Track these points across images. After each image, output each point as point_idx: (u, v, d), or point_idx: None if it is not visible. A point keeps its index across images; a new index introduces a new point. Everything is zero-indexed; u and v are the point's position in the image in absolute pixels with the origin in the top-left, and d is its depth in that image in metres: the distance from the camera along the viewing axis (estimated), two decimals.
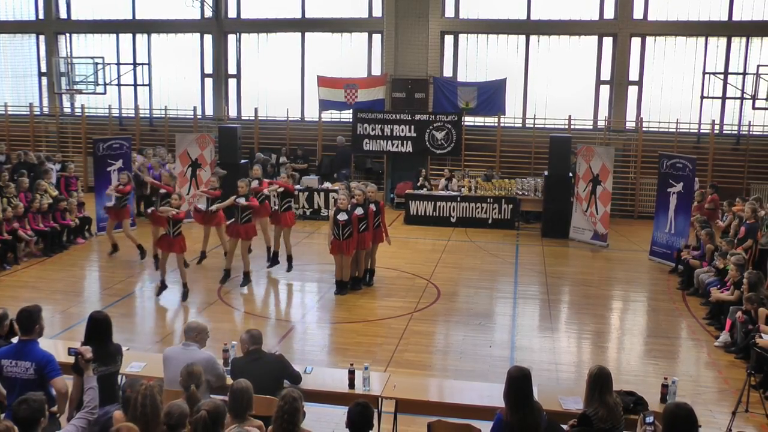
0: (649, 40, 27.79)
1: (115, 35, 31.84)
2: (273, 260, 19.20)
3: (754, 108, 26.46)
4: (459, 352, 14.04)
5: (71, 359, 7.89)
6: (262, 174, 20.14)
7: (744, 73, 27.00)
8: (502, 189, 25.13)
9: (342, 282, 17.25)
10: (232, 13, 30.76)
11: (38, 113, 32.61)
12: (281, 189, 18.53)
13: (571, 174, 23.81)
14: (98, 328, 8.69)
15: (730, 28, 27.08)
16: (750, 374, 11.16)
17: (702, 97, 27.11)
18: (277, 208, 18.85)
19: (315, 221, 25.25)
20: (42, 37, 32.57)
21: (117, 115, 31.87)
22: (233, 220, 17.61)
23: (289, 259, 18.96)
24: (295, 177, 20.05)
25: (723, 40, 27.27)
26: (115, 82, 31.35)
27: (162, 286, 16.76)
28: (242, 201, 17.22)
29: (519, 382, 7.56)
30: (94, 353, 8.12)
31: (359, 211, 16.91)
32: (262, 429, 7.37)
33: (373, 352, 13.86)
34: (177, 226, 16.30)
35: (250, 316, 15.87)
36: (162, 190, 18.40)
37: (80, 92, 30.69)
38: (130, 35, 31.78)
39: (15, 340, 8.81)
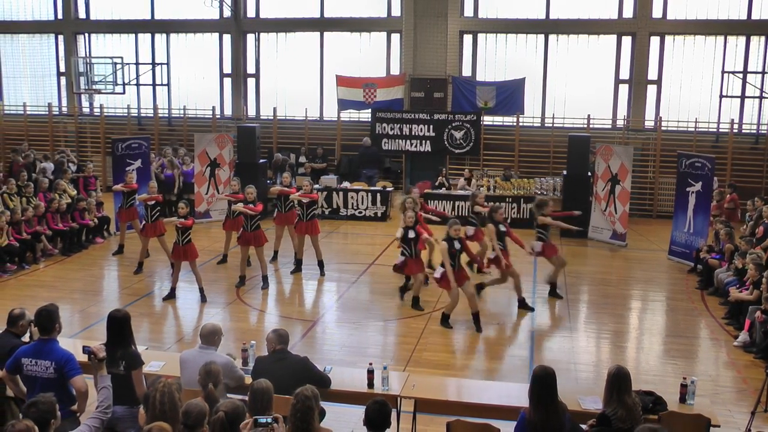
0: (668, 39, 27.70)
1: (133, 35, 31.91)
2: (297, 267, 19.23)
3: None
4: (478, 352, 14.05)
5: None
6: (290, 179, 20.13)
7: (763, 72, 26.90)
8: (521, 188, 25.13)
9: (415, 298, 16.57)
10: (251, 13, 30.79)
11: (57, 113, 32.71)
12: (306, 200, 18.53)
13: (589, 173, 23.75)
14: (110, 327, 8.70)
15: (749, 27, 26.95)
16: None
17: (721, 96, 27.02)
18: (302, 217, 18.82)
19: (333, 221, 25.28)
20: (61, 37, 32.66)
21: (136, 114, 31.97)
22: (242, 228, 17.59)
23: (321, 264, 19.02)
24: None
25: (742, 39, 27.15)
26: (134, 81, 31.46)
27: (171, 293, 16.80)
28: (240, 206, 17.24)
29: (543, 381, 7.57)
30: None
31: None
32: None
33: (392, 351, 13.88)
34: (186, 234, 16.27)
35: (269, 316, 15.92)
36: (150, 202, 18.67)
37: (99, 92, 30.78)
38: (149, 35, 31.86)
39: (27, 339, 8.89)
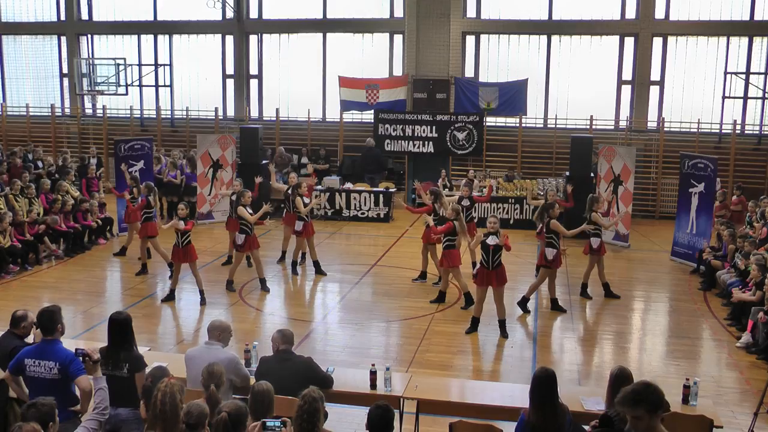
0: (671, 39, 27.72)
1: (136, 36, 31.98)
2: (293, 269, 19.22)
3: None
4: (480, 353, 14.04)
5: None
6: (296, 178, 20.00)
7: (766, 73, 26.92)
8: (524, 189, 25.10)
9: (476, 320, 15.11)
10: (253, 14, 30.84)
11: (59, 114, 32.79)
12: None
13: (592, 174, 23.74)
14: (111, 329, 8.70)
15: (751, 28, 26.97)
16: None
17: (723, 97, 27.09)
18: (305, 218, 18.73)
19: (336, 222, 25.27)
20: (63, 39, 32.73)
21: (138, 116, 32.03)
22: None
23: (317, 264, 19.06)
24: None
25: (744, 40, 27.17)
26: (137, 83, 31.51)
27: (170, 295, 16.77)
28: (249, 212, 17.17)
29: (543, 382, 7.55)
30: (105, 354, 8.18)
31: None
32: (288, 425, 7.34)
33: (395, 352, 13.87)
34: (185, 236, 16.24)
35: (272, 317, 15.89)
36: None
37: (102, 93, 30.79)
38: (151, 36, 31.92)
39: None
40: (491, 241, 14.40)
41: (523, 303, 16.37)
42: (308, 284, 18.60)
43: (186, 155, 26.74)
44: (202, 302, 16.42)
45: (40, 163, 26.29)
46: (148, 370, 8.83)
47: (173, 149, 28.35)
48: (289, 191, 19.12)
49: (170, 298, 16.66)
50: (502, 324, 14.75)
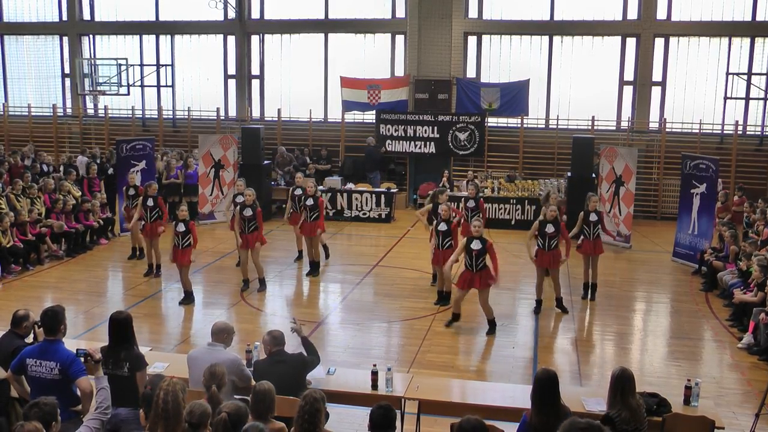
0: (673, 40, 27.67)
1: (138, 36, 31.93)
2: (313, 268, 19.21)
3: None
4: (482, 353, 14.04)
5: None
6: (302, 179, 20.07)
7: (767, 74, 26.92)
8: (525, 190, 25.09)
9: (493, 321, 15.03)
10: (255, 14, 30.80)
11: (61, 114, 32.77)
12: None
13: (594, 175, 23.72)
14: (112, 328, 8.70)
15: (753, 29, 26.92)
16: None
17: (725, 98, 27.04)
18: (307, 218, 18.79)
19: (338, 222, 25.25)
20: (65, 39, 32.69)
21: (140, 116, 32.01)
22: (240, 231, 17.36)
23: (313, 264, 19.05)
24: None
25: (746, 41, 27.12)
26: (139, 83, 31.47)
27: (187, 296, 16.65)
28: (249, 212, 17.14)
29: (545, 384, 7.55)
30: (105, 354, 8.18)
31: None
32: (284, 431, 7.36)
33: (396, 352, 13.86)
34: (186, 238, 16.22)
35: (273, 317, 15.88)
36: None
37: (103, 93, 30.71)
38: (153, 36, 31.89)
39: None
40: (475, 245, 14.49)
41: (559, 304, 16.45)
42: (310, 285, 18.59)
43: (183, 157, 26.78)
44: (182, 302, 16.47)
45: (44, 167, 26.25)
46: (149, 370, 8.85)
47: (170, 149, 28.38)
48: (295, 191, 19.30)
49: (189, 299, 16.69)
50: (491, 323, 14.85)
